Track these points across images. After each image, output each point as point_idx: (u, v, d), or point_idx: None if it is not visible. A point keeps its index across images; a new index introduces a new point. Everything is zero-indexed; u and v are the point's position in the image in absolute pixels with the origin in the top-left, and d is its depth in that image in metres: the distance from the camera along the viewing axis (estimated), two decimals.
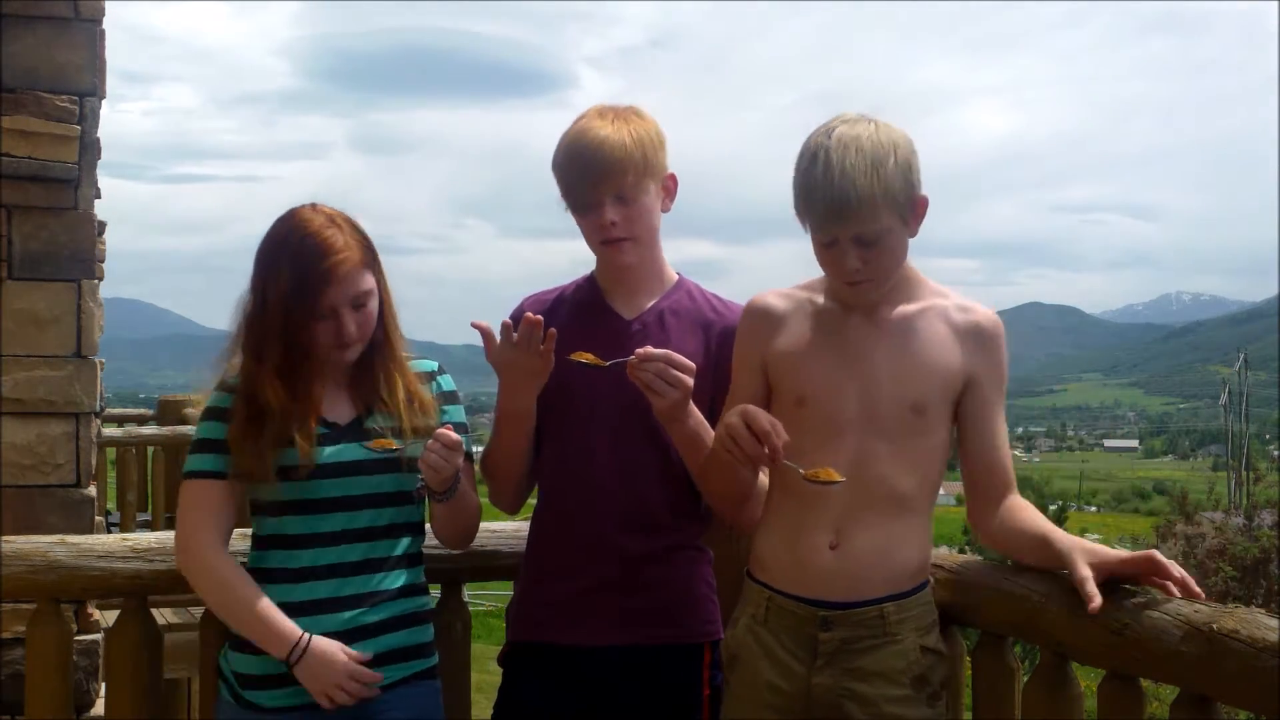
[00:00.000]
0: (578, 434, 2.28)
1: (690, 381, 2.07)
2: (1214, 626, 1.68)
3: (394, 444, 2.17)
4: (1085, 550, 1.92)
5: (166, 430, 7.60)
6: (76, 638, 4.72)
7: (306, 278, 2.13)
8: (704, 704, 2.28)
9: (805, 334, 2.15)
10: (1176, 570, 1.84)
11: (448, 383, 2.37)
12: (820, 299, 2.17)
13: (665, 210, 2.30)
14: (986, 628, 2.19)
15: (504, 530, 2.58)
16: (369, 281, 2.20)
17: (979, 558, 2.32)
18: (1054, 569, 1.98)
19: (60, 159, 5.08)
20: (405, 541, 2.28)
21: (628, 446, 2.26)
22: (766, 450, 1.95)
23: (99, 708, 5.03)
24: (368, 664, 2.14)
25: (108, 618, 4.42)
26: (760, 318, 2.20)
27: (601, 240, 2.25)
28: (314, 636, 2.11)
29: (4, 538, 2.42)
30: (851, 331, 2.12)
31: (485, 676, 3.04)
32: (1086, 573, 1.87)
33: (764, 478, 2.27)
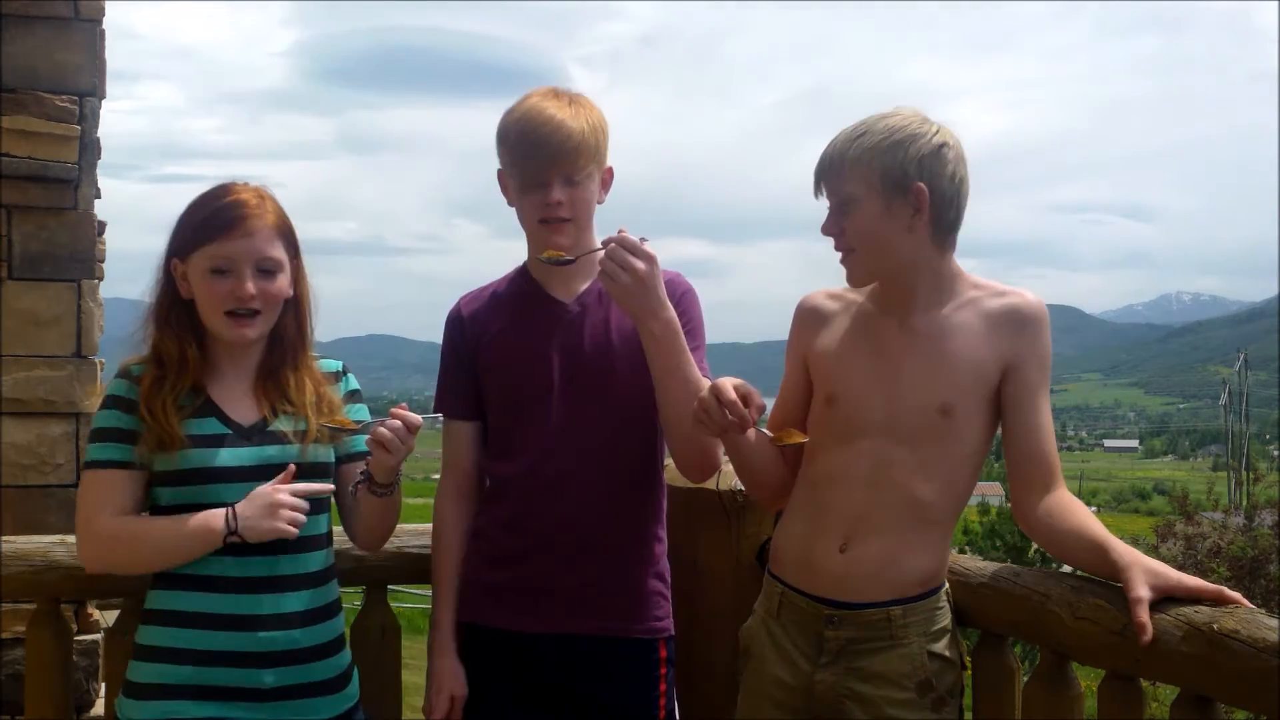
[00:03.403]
0: (527, 424, 2.27)
1: (641, 266, 2.07)
2: (1214, 626, 1.68)
3: (351, 423, 2.10)
4: (1147, 570, 1.81)
5: None
6: (76, 638, 4.72)
7: (210, 222, 2.06)
8: (660, 699, 2.27)
9: (844, 335, 2.16)
10: (1247, 604, 1.76)
11: (353, 382, 2.29)
12: (864, 301, 2.18)
13: (600, 202, 2.32)
14: (987, 628, 2.18)
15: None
16: (279, 251, 2.11)
17: (980, 558, 2.32)
18: (1105, 578, 1.92)
19: (60, 159, 5.09)
20: (318, 555, 2.15)
21: (578, 437, 2.25)
22: (736, 420, 1.98)
23: (99, 708, 5.03)
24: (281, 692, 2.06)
25: (108, 618, 4.42)
26: (807, 315, 2.23)
27: (541, 219, 2.25)
28: (235, 503, 2.01)
29: (4, 538, 2.42)
30: (884, 335, 2.12)
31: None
32: (1144, 594, 1.77)
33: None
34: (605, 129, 2.27)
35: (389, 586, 2.60)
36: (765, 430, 2.07)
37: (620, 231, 2.11)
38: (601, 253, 2.11)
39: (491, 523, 2.32)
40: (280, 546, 2.06)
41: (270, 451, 2.09)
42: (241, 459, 2.07)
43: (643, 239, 2.09)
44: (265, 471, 2.07)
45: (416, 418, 2.02)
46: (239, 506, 2.00)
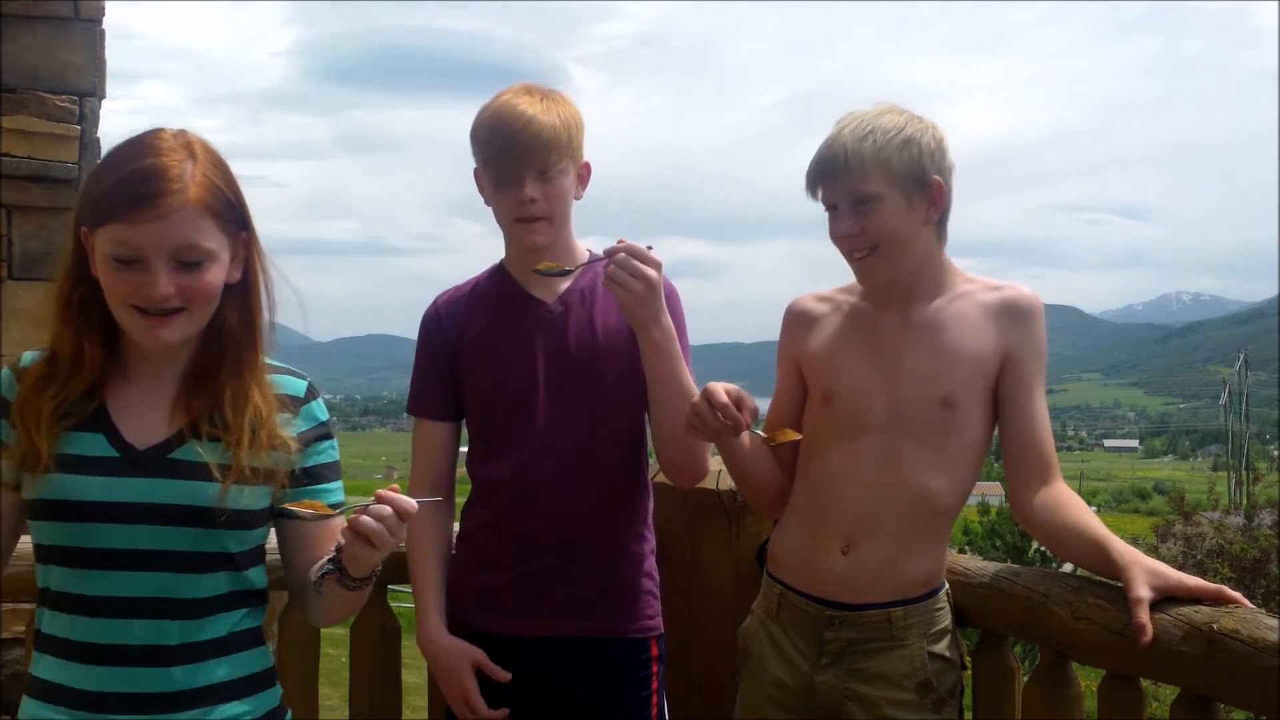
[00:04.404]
0: (512, 426, 2.26)
1: (654, 275, 2.07)
2: (1214, 626, 1.68)
3: (325, 507, 1.64)
4: (1148, 569, 1.80)
5: None
6: None
7: (115, 195, 1.54)
8: (652, 698, 2.27)
9: (838, 333, 2.17)
10: (1247, 604, 1.77)
11: (320, 411, 1.76)
12: (856, 300, 2.18)
13: (578, 198, 2.29)
14: (986, 628, 2.18)
15: None
16: (209, 237, 1.58)
17: (980, 558, 2.32)
18: (1104, 576, 1.92)
19: (60, 159, 5.09)
20: (237, 615, 1.69)
21: (564, 438, 2.24)
22: (729, 423, 1.98)
23: None
24: None
25: None
26: (796, 319, 2.24)
27: (516, 217, 2.22)
28: None
29: None
30: (882, 330, 2.12)
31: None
32: (1144, 594, 1.76)
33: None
34: (580, 123, 2.24)
35: (389, 586, 2.59)
36: (759, 432, 2.07)
37: (621, 241, 2.09)
38: (584, 266, 2.09)
39: (478, 526, 2.31)
40: (170, 609, 1.62)
41: (171, 486, 1.60)
42: (124, 493, 1.59)
43: (649, 246, 2.09)
44: (163, 513, 1.59)
45: (410, 502, 1.57)
46: None
